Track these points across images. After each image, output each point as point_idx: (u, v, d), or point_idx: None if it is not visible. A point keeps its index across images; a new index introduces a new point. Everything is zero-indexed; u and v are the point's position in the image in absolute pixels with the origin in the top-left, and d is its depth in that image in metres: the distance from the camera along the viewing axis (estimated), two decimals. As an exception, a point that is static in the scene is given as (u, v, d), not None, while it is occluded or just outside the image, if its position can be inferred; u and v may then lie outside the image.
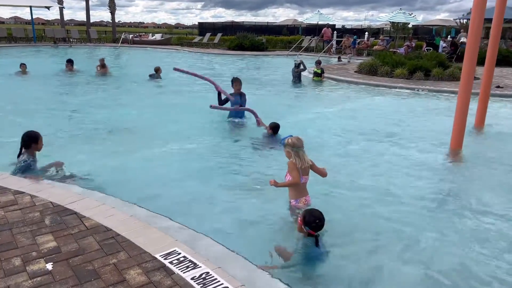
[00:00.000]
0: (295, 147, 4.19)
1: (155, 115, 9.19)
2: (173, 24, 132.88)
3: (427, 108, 11.01)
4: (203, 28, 42.75)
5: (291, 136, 4.34)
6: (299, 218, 3.47)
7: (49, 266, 3.00)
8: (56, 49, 26.03)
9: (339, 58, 23.20)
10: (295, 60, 15.34)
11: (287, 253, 3.51)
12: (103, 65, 14.97)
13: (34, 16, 30.65)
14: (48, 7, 31.18)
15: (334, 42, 27.49)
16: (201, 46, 30.96)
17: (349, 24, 59.61)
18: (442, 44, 25.32)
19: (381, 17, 31.91)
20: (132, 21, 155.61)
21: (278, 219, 4.34)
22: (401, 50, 23.34)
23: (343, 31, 35.31)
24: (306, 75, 16.19)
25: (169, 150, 6.66)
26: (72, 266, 3.01)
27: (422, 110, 10.70)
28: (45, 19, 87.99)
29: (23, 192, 4.25)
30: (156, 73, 14.23)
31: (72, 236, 3.42)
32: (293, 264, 3.39)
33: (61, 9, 33.06)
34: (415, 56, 17.32)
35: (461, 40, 25.52)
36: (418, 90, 13.23)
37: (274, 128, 7.09)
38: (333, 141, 7.54)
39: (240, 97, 8.28)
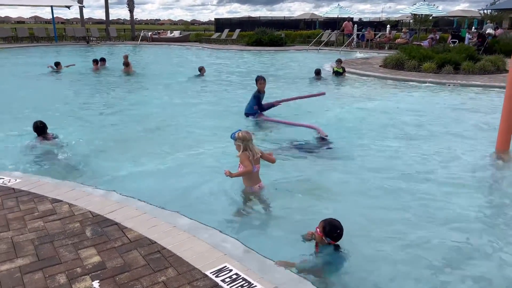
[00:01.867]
0: (245, 141, 4.42)
1: (193, 115, 8.78)
2: (189, 20, 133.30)
3: (462, 103, 10.53)
4: (219, 24, 42.47)
5: (240, 130, 4.52)
6: (317, 229, 3.33)
7: (96, 284, 2.84)
8: (90, 47, 26.74)
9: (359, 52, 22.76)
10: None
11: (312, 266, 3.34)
12: (127, 64, 14.77)
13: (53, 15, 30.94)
14: (68, 6, 31.43)
15: (355, 36, 26.95)
16: (220, 42, 30.79)
17: (366, 17, 58.63)
18: (467, 36, 24.50)
19: (403, 10, 31.06)
20: (148, 18, 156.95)
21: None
22: (425, 43, 22.68)
23: (362, 25, 34.60)
24: (329, 70, 15.86)
25: (209, 152, 6.31)
26: (120, 284, 2.83)
27: (457, 106, 10.23)
28: (64, 18, 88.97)
29: (61, 201, 4.10)
30: (200, 72, 14.27)
31: (115, 250, 3.25)
32: (320, 274, 3.23)
33: (81, 8, 33.22)
34: (443, 49, 16.73)
35: (487, 31, 24.66)
36: (449, 84, 12.75)
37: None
38: (366, 138, 7.19)
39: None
